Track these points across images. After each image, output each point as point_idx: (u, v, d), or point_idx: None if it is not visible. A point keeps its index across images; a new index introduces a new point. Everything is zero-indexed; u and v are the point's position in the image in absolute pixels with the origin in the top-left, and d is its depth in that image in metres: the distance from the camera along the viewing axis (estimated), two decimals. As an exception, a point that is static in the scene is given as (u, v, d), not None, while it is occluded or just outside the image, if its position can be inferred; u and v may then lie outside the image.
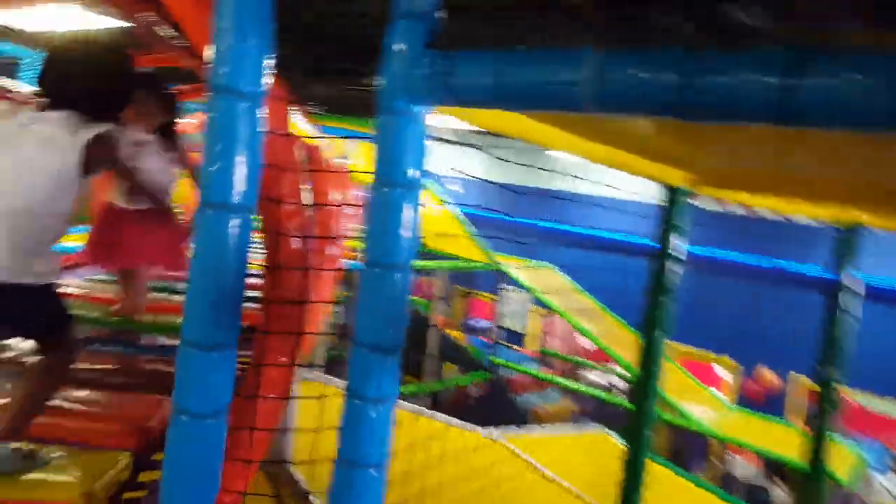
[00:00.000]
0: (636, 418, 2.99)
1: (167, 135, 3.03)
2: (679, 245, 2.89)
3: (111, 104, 1.91)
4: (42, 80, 1.86)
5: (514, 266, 9.06)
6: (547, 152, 12.89)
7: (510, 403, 8.92)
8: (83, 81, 1.84)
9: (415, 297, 10.75)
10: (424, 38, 1.25)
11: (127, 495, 1.69)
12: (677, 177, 2.64)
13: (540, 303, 10.33)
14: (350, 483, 1.36)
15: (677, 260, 2.87)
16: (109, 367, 2.44)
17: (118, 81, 1.94)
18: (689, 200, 2.82)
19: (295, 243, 1.69)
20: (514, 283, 9.18)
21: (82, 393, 2.14)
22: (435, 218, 8.47)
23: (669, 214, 2.81)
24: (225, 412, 1.38)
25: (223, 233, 1.31)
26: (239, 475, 1.51)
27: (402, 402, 5.70)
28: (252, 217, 1.36)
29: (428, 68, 1.23)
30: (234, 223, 1.32)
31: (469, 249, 9.10)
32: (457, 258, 8.58)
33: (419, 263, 8.22)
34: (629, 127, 1.68)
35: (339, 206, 3.14)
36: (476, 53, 1.15)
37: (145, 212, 3.00)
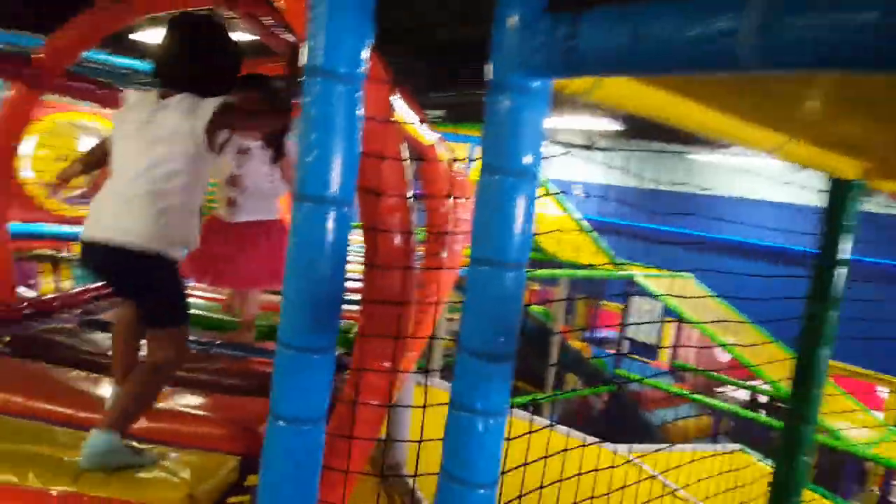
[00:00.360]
0: (789, 443, 2.57)
1: (276, 144, 2.91)
2: (846, 249, 2.46)
3: (214, 80, 1.95)
4: (156, 67, 1.97)
5: (645, 274, 8.57)
6: (688, 156, 12.17)
7: (637, 418, 8.41)
8: (184, 59, 1.94)
9: (536, 306, 10.52)
10: (541, 1, 1.08)
11: (232, 500, 1.64)
12: (850, 167, 2.24)
13: (673, 313, 9.73)
14: (456, 502, 1.22)
15: (843, 264, 2.44)
16: (221, 369, 2.45)
17: (217, 57, 1.99)
18: (859, 196, 2.40)
19: (396, 239, 1.56)
20: (646, 292, 8.68)
21: (193, 395, 2.14)
22: (557, 223, 8.23)
23: (836, 212, 2.40)
24: (323, 419, 1.28)
25: (320, 227, 1.21)
26: (337, 484, 1.40)
27: (517, 411, 5.54)
28: (350, 211, 1.25)
29: (547, 34, 1.05)
30: (331, 216, 1.21)
31: (595, 257, 8.74)
32: (581, 266, 8.26)
33: (542, 272, 8.05)
34: (795, 101, 1.40)
35: (454, 208, 3.05)
36: (605, 9, 0.96)
37: (248, 226, 2.90)
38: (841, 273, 2.40)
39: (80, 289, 3.34)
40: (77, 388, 2.14)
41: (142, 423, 1.82)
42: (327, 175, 1.21)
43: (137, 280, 1.88)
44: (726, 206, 11.90)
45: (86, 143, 7.02)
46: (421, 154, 2.35)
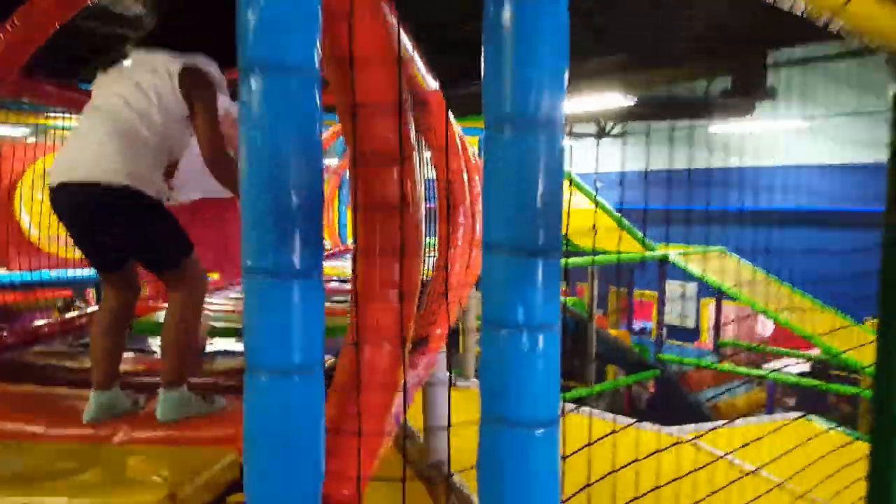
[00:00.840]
0: (885, 424, 2.16)
1: None
2: None
3: (184, 37, 1.86)
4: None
5: (677, 254, 8.21)
6: (710, 129, 11.75)
7: (685, 401, 7.99)
8: (159, 12, 1.91)
9: (570, 298, 10.16)
10: None
11: (232, 498, 1.35)
12: None
13: (710, 292, 9.31)
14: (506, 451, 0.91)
15: None
16: (229, 369, 2.18)
17: (188, 15, 1.90)
18: None
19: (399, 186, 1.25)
20: (679, 273, 8.30)
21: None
22: (584, 213, 7.92)
23: None
24: (319, 364, 0.98)
25: (281, 100, 0.92)
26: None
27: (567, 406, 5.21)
28: (318, 82, 0.95)
29: None
30: (293, 86, 0.92)
31: (626, 243, 8.40)
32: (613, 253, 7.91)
33: (574, 260, 7.74)
34: None
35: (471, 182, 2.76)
36: None
37: (196, 208, 2.43)
38: None
39: (70, 316, 3.09)
40: (57, 404, 1.87)
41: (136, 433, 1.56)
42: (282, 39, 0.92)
43: (128, 220, 1.74)
44: (754, 175, 11.47)
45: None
46: (423, 101, 2.06)
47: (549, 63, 0.91)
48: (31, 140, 7.36)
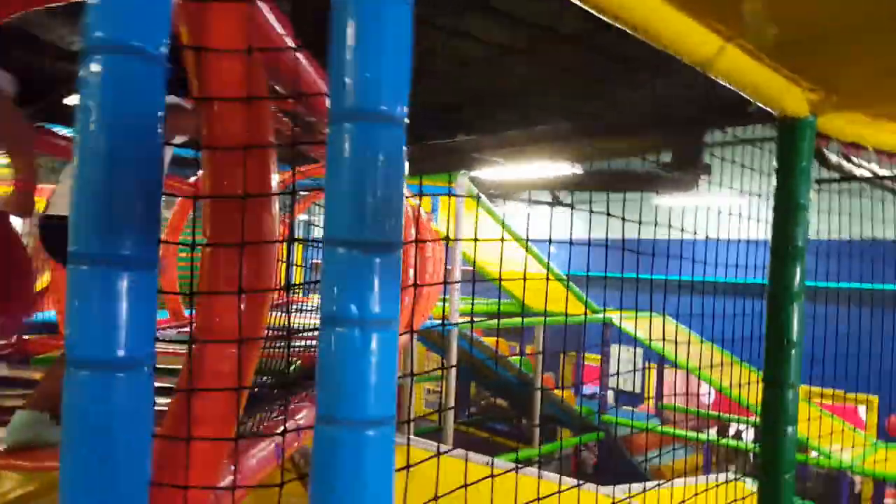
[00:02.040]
0: (770, 462, 2.22)
1: None
2: (801, 239, 2.17)
3: None
4: None
5: (621, 317, 8.31)
6: (653, 201, 12.18)
7: (629, 464, 7.93)
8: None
9: (516, 357, 10.12)
10: None
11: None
12: (796, 98, 1.99)
13: (653, 358, 9.40)
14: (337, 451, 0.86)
15: (796, 257, 2.16)
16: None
17: None
18: (810, 138, 2.13)
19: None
20: (624, 338, 8.39)
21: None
22: (534, 276, 7.99)
23: (788, 160, 2.12)
24: (150, 360, 0.93)
25: (126, 81, 0.90)
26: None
27: (499, 461, 5.09)
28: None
29: None
30: (133, 67, 0.90)
31: (572, 306, 8.47)
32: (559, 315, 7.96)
33: (525, 320, 7.75)
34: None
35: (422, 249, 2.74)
36: None
37: None
38: (791, 266, 2.12)
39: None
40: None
41: None
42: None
43: None
44: (692, 247, 11.85)
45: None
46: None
47: (389, 59, 0.92)
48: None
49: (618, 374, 10.55)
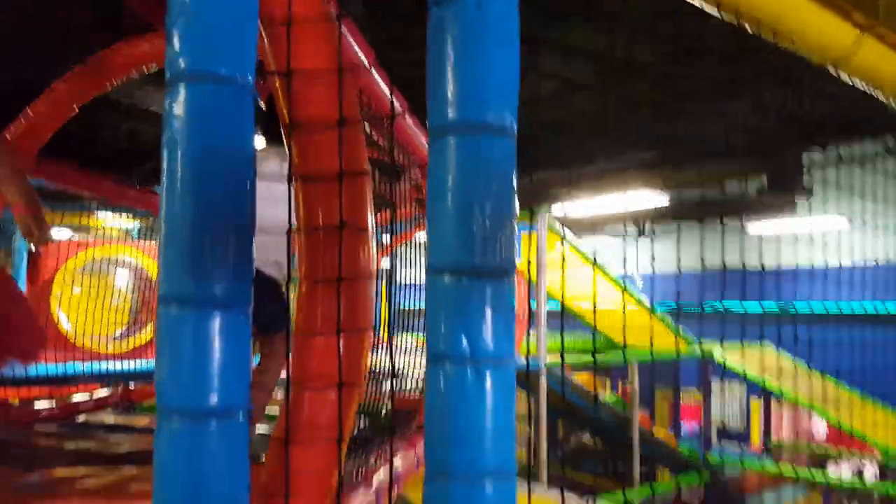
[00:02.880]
0: None
1: None
2: None
3: None
4: None
5: (722, 352, 7.83)
6: (748, 230, 11.56)
7: (739, 505, 7.33)
8: None
9: (612, 396, 9.68)
10: None
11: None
12: None
13: (757, 391, 8.79)
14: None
15: None
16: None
17: None
18: None
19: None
20: (725, 373, 7.88)
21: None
22: (629, 313, 7.66)
23: None
24: (243, 411, 0.85)
25: (211, 109, 0.85)
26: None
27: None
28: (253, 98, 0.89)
29: None
30: (223, 93, 0.85)
31: (669, 341, 8.06)
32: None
33: (617, 356, 7.44)
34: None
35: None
36: None
37: None
38: None
39: (78, 399, 3.02)
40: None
41: None
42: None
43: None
44: (793, 276, 11.13)
45: (122, 278, 7.01)
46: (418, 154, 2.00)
47: (497, 66, 0.83)
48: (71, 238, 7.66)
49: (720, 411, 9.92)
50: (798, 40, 1.38)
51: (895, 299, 9.62)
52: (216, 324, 0.84)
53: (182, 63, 0.86)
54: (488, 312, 0.80)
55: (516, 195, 0.86)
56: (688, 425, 10.58)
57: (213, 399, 0.84)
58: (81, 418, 2.67)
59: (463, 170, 0.83)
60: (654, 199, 8.89)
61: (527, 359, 6.77)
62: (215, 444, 0.83)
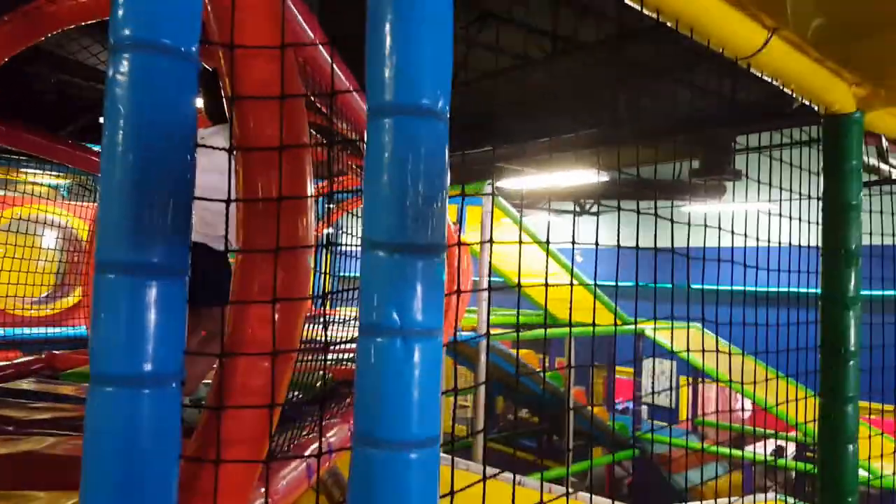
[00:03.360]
0: (831, 484, 2.08)
1: None
2: (854, 242, 2.07)
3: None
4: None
5: (653, 327, 8.12)
6: (680, 208, 11.93)
7: (665, 483, 7.69)
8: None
9: (549, 372, 9.94)
10: None
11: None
12: (843, 93, 1.88)
13: (686, 371, 9.19)
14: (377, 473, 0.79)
15: (850, 261, 2.06)
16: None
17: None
18: (858, 136, 2.01)
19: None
20: (657, 350, 8.20)
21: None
22: (563, 288, 7.82)
23: (834, 160, 2.01)
24: (179, 376, 0.87)
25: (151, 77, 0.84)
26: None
27: (528, 480, 4.97)
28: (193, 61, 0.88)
29: None
30: (160, 65, 0.85)
31: (602, 316, 8.32)
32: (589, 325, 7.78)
33: (552, 331, 7.62)
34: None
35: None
36: None
37: None
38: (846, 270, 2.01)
39: None
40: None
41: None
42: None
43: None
44: (730, 254, 11.56)
45: (49, 239, 6.74)
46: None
47: (431, 50, 0.86)
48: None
49: (653, 389, 10.34)
50: (713, 39, 1.46)
51: (814, 282, 10.21)
52: (152, 292, 0.85)
53: (126, 31, 0.85)
54: (419, 287, 0.84)
55: (448, 175, 0.90)
56: (621, 402, 10.98)
57: (147, 366, 0.85)
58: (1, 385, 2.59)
59: (398, 150, 0.85)
60: (594, 177, 9.06)
61: (463, 332, 6.88)
62: (147, 412, 0.84)
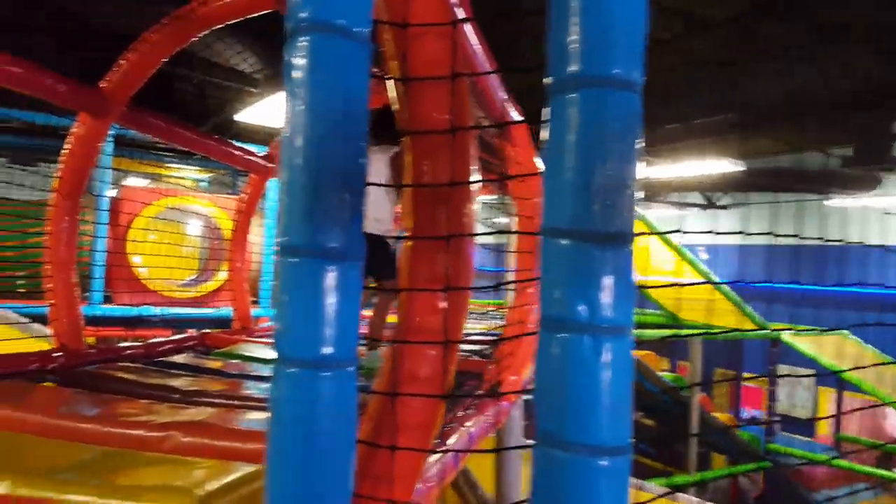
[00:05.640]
0: None
1: None
2: None
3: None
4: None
5: (793, 332, 7.54)
6: (825, 203, 10.91)
7: (800, 500, 7.10)
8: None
9: (670, 375, 9.51)
10: None
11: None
12: None
13: (829, 380, 8.47)
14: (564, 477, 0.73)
15: None
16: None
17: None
18: None
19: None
20: (796, 358, 7.60)
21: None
22: (694, 290, 7.44)
23: None
24: (355, 361, 0.85)
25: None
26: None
27: (651, 485, 4.74)
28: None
29: None
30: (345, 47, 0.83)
31: (736, 321, 7.82)
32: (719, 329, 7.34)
33: (680, 332, 7.26)
34: None
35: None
36: None
37: None
38: None
39: (159, 339, 3.15)
40: (126, 414, 1.83)
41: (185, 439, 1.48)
42: None
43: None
44: (880, 255, 10.51)
45: (194, 228, 7.25)
46: (504, 129, 1.95)
47: (623, 15, 0.78)
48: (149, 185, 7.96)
49: (778, 399, 9.62)
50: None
51: None
52: (333, 275, 0.84)
53: (304, 13, 0.84)
54: (609, 279, 0.77)
55: (640, 156, 0.82)
56: (749, 411, 10.31)
57: (327, 350, 0.84)
58: (162, 359, 2.79)
59: (585, 127, 0.79)
60: (724, 166, 8.45)
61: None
62: (327, 394, 0.84)
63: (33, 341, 3.80)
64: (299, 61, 0.85)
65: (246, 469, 1.30)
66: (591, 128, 0.78)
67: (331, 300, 0.84)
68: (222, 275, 6.53)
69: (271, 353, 2.53)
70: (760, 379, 9.68)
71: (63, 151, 2.61)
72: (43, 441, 1.59)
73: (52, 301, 2.60)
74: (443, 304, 0.95)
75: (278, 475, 0.85)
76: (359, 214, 0.87)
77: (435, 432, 0.97)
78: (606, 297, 0.76)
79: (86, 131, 2.57)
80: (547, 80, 0.82)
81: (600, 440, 0.75)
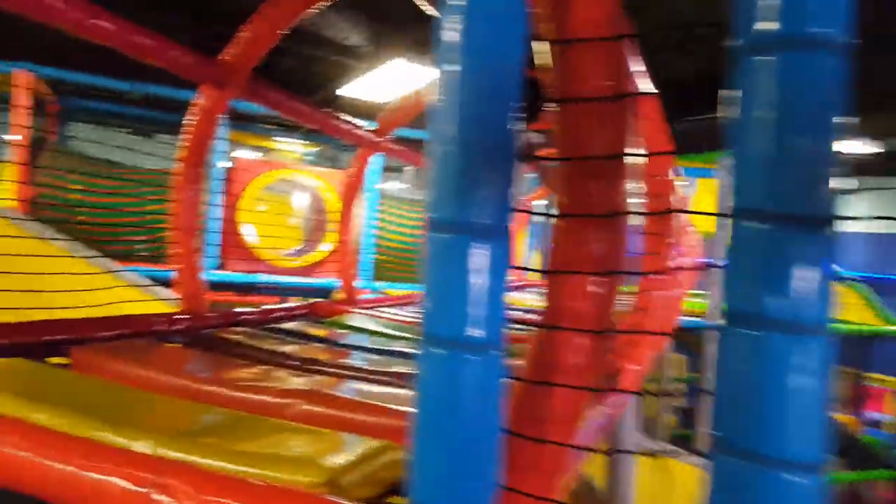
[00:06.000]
0: None
1: None
2: None
3: None
4: None
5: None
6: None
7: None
8: None
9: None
10: None
11: (394, 500, 1.18)
12: None
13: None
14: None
15: None
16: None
17: None
18: None
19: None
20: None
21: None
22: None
23: None
24: (501, 343, 0.79)
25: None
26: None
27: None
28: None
29: None
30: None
31: (861, 315, 7.25)
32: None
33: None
34: None
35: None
36: None
37: None
38: None
39: (273, 307, 3.24)
40: (247, 377, 1.88)
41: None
42: None
43: None
44: None
45: (301, 200, 7.47)
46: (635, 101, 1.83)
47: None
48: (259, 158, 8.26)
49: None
50: None
51: None
52: (484, 254, 0.78)
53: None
54: (809, 268, 0.66)
55: (842, 127, 0.70)
56: (876, 415, 9.57)
57: (475, 332, 0.79)
58: (275, 325, 2.87)
59: (782, 95, 0.68)
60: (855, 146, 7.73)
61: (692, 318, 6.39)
62: (473, 377, 0.79)
63: (156, 303, 4.05)
64: (453, 25, 0.79)
65: (370, 443, 1.27)
66: (785, 95, 0.67)
67: (478, 280, 0.78)
68: (324, 247, 6.71)
69: (377, 325, 2.52)
70: (881, 378, 8.94)
71: (186, 122, 2.70)
72: (168, 400, 1.65)
73: (178, 265, 2.72)
74: (594, 289, 0.87)
75: (423, 457, 0.81)
76: (509, 192, 0.80)
77: (577, 425, 0.90)
78: (805, 290, 0.66)
79: (208, 102, 2.65)
80: (734, 41, 0.71)
81: (793, 454, 0.65)
